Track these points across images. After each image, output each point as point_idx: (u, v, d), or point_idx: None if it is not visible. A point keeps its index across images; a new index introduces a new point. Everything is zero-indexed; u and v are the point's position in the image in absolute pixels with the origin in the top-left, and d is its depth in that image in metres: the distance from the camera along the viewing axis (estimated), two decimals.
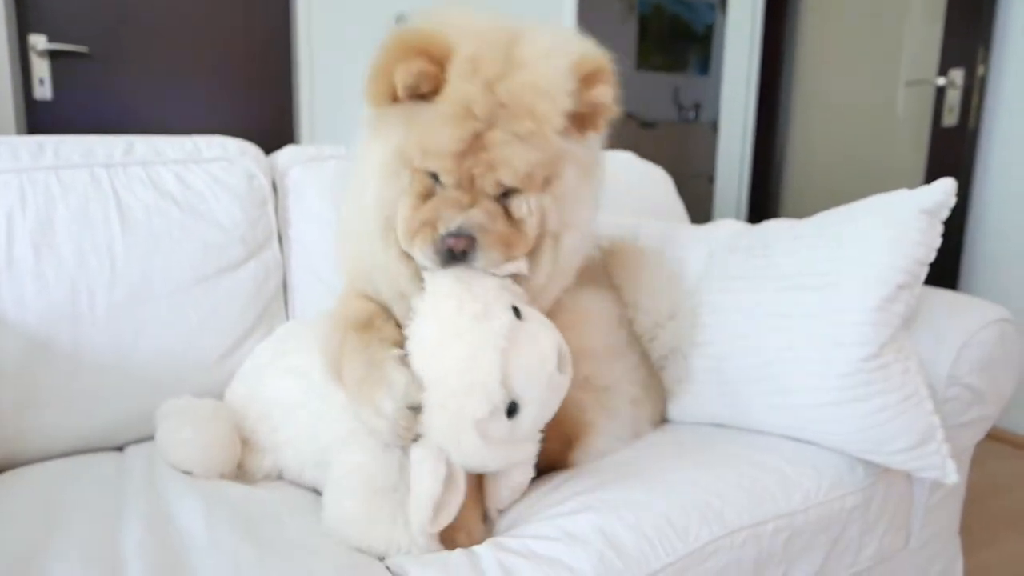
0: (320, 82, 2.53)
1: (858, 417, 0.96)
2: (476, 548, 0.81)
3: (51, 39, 2.23)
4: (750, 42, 3.23)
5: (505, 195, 0.85)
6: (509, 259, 0.85)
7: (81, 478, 0.99)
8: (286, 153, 1.36)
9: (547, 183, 0.86)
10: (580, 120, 0.86)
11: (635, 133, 4.90)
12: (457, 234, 0.81)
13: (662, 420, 1.16)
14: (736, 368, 1.06)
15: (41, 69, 2.23)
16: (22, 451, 1.05)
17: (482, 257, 0.83)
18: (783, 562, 0.92)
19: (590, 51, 0.86)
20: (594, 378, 1.03)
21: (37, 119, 2.24)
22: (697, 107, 5.33)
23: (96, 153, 1.19)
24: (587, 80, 0.83)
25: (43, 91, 2.24)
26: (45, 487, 0.95)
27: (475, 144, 0.81)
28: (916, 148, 2.66)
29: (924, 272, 0.98)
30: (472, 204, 0.83)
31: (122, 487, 0.95)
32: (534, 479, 1.01)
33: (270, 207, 1.28)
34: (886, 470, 1.02)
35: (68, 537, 0.80)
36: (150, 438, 1.13)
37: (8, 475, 1.00)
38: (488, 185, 0.83)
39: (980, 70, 2.35)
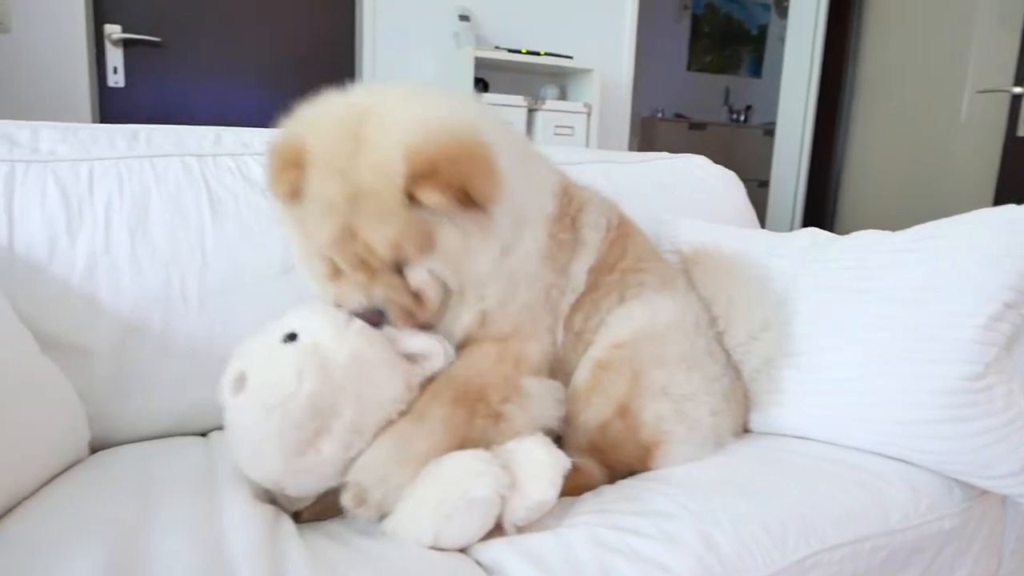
0: (382, 78, 2.55)
1: (959, 438, 0.93)
2: (573, 540, 0.80)
3: (125, 29, 2.28)
4: (811, 45, 3.17)
5: (399, 267, 0.89)
6: (417, 326, 0.91)
7: (172, 459, 1.01)
8: None
9: (425, 250, 0.87)
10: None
11: (684, 135, 4.86)
12: (363, 313, 0.87)
13: (743, 431, 1.14)
14: (827, 381, 1.04)
15: (115, 58, 2.29)
16: (114, 432, 1.07)
17: (397, 324, 0.89)
18: None
19: (428, 137, 0.84)
20: (671, 387, 1.02)
21: (109, 106, 2.29)
22: (748, 109, 5.26)
23: (187, 143, 1.21)
24: (414, 181, 0.83)
25: (116, 79, 2.29)
26: (139, 466, 0.97)
27: (347, 232, 0.85)
28: (985, 158, 2.58)
29: None
30: (372, 281, 0.88)
31: (213, 469, 0.96)
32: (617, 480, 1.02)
33: None
34: (983, 493, 0.99)
35: (169, 512, 0.81)
36: None
37: (101, 455, 1.03)
38: (374, 263, 0.87)
39: None
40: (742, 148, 4.81)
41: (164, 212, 1.13)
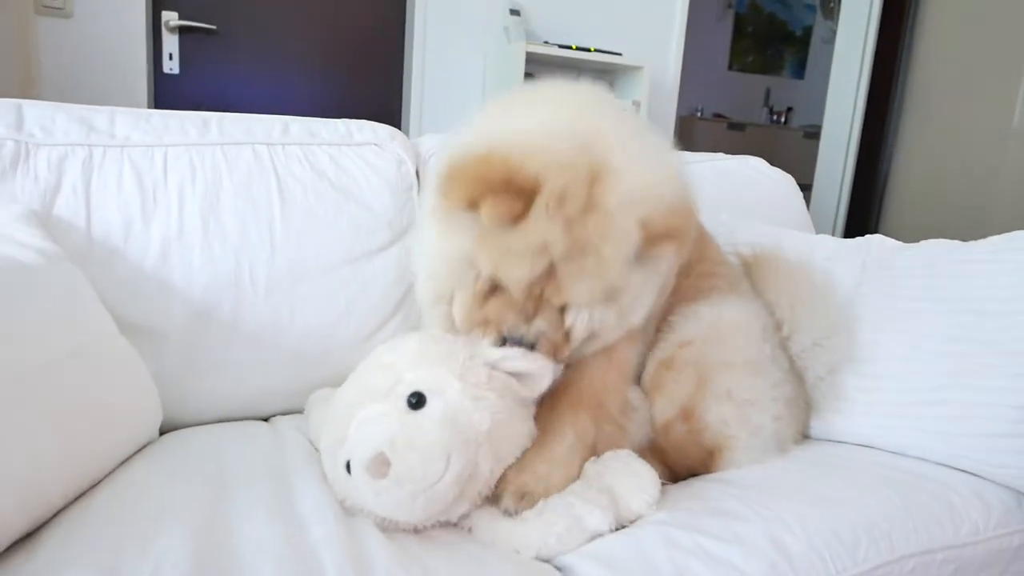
0: (431, 70, 2.56)
1: None
2: (646, 541, 0.81)
3: (182, 16, 2.31)
4: (862, 47, 3.13)
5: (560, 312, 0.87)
6: (556, 360, 0.89)
7: (240, 444, 1.02)
8: (428, 141, 1.38)
9: (610, 298, 0.87)
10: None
11: (722, 134, 4.81)
12: (520, 342, 0.86)
13: (803, 438, 1.13)
14: (895, 390, 1.03)
15: (171, 44, 2.33)
16: (182, 415, 1.10)
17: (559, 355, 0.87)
18: None
19: (664, 204, 0.85)
20: (736, 392, 1.02)
21: (164, 92, 2.33)
22: (789, 111, 5.19)
23: (256, 131, 1.23)
24: (650, 240, 0.84)
25: (171, 65, 2.33)
26: (210, 450, 0.99)
27: (548, 274, 0.83)
28: None
29: None
30: (535, 313, 0.86)
31: (282, 453, 0.98)
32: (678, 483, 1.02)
33: (415, 193, 1.30)
34: None
35: (246, 497, 0.83)
36: (295, 411, 1.18)
37: (171, 436, 1.05)
38: (554, 302, 0.85)
39: None
40: (781, 150, 4.75)
41: (235, 199, 1.15)
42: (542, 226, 0.81)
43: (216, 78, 2.39)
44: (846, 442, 1.10)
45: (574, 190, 0.82)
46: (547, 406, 0.93)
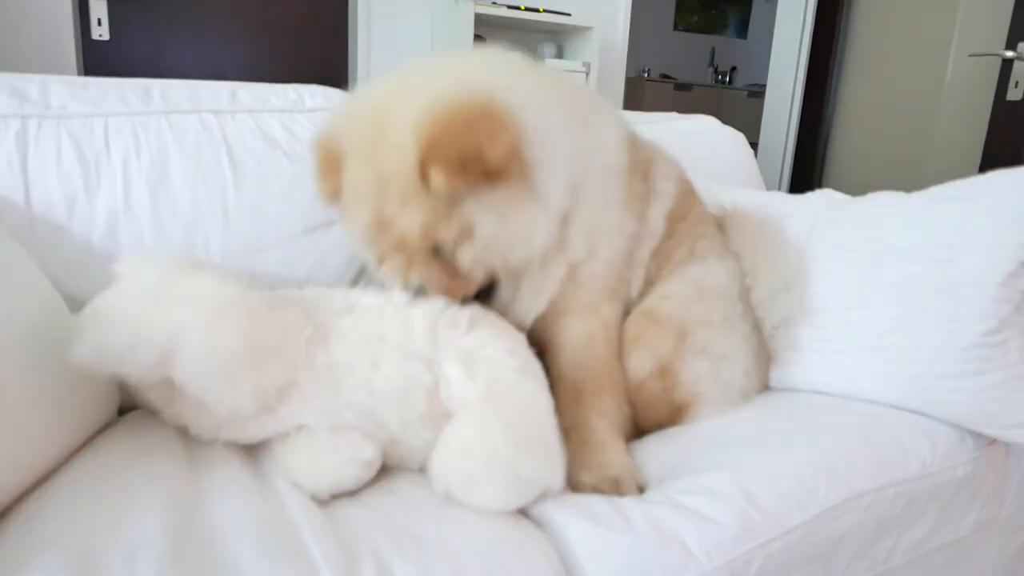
0: (377, 33, 2.49)
1: (976, 391, 0.98)
2: (620, 499, 0.84)
3: None
4: (804, 5, 3.17)
5: (437, 250, 0.89)
6: (457, 301, 0.91)
7: None
8: None
9: (463, 236, 0.86)
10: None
11: (670, 95, 4.84)
12: (416, 293, 0.90)
13: (764, 388, 1.17)
14: (847, 338, 1.08)
15: (99, 9, 2.20)
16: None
17: (461, 302, 0.91)
18: (899, 526, 0.95)
19: (431, 114, 0.81)
20: (712, 347, 1.05)
21: (93, 60, 2.21)
22: (733, 71, 5.25)
23: (202, 99, 1.18)
24: (424, 164, 0.81)
25: (100, 31, 2.21)
26: (173, 430, 0.97)
27: (380, 219, 0.87)
28: (971, 122, 2.63)
29: None
30: (411, 263, 0.89)
31: None
32: (644, 436, 1.05)
33: None
34: (991, 442, 1.04)
35: (218, 476, 0.81)
36: None
37: (131, 417, 1.01)
38: (411, 249, 0.88)
39: None
40: (727, 109, 4.81)
41: (184, 170, 1.11)
42: (352, 173, 0.88)
43: (149, 44, 2.27)
44: (801, 390, 1.15)
45: (366, 128, 0.87)
46: (570, 397, 0.96)
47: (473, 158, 0.79)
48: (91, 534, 0.67)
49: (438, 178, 0.80)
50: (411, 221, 0.85)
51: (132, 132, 1.10)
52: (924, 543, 0.99)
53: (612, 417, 0.98)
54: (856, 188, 1.28)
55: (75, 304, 0.97)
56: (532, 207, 0.87)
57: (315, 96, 1.26)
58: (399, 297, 0.91)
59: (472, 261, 0.88)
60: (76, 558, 0.64)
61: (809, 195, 1.30)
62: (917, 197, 1.13)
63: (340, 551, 0.69)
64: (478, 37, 2.60)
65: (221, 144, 1.14)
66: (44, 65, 2.05)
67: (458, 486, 0.79)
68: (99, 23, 2.18)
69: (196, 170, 1.12)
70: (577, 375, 0.99)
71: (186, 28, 2.32)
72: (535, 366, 0.92)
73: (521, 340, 0.93)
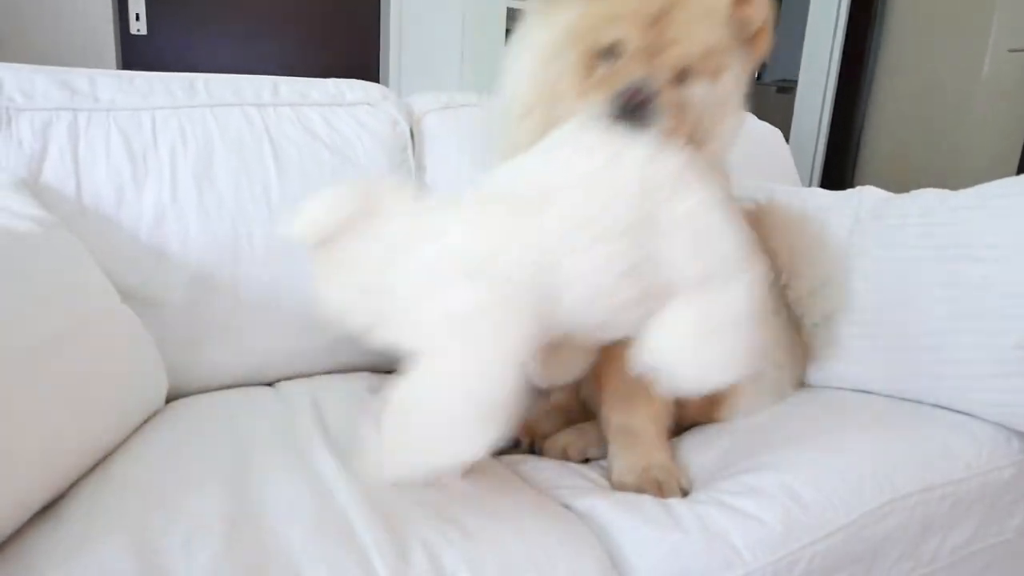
0: (408, 28, 2.50)
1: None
2: (665, 499, 0.84)
3: None
4: (838, 1, 3.13)
5: (675, 81, 0.84)
6: (672, 137, 0.81)
7: (249, 409, 1.02)
8: (421, 99, 1.36)
9: (716, 74, 0.86)
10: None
11: None
12: (639, 87, 0.79)
13: (801, 385, 1.16)
14: (892, 336, 1.07)
15: (137, 4, 2.23)
16: (187, 383, 1.08)
17: (655, 121, 0.79)
18: (944, 527, 0.93)
19: None
20: None
21: (132, 54, 2.25)
22: (762, 66, 5.19)
23: (245, 93, 1.19)
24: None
25: (139, 26, 2.24)
26: (221, 417, 0.98)
27: (661, 17, 0.81)
28: (1009, 116, 2.58)
29: None
30: (653, 71, 0.82)
31: (293, 419, 0.98)
32: (682, 433, 1.05)
33: (410, 153, 1.28)
34: None
35: (267, 463, 0.82)
36: (299, 375, 1.17)
37: (178, 405, 1.04)
38: (669, 58, 0.82)
39: None
40: (755, 105, 4.74)
41: (228, 162, 1.13)
42: None
43: (186, 39, 2.30)
44: (843, 387, 1.14)
45: None
46: (622, 396, 0.96)
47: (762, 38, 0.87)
48: (149, 517, 0.69)
49: (761, 11, 0.86)
50: (707, 34, 0.84)
51: (178, 125, 1.12)
52: (968, 545, 0.98)
53: (661, 421, 0.98)
54: (891, 184, 1.26)
55: (122, 294, 0.99)
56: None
57: (355, 90, 1.27)
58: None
59: (703, 109, 0.86)
60: (135, 541, 0.65)
61: (850, 191, 1.29)
62: (963, 195, 1.11)
63: (390, 538, 0.70)
64: (510, 32, 2.60)
65: (264, 137, 1.16)
66: (83, 60, 2.08)
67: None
68: (137, 18, 2.21)
69: (240, 163, 1.13)
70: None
71: (222, 23, 2.34)
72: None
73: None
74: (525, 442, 1.05)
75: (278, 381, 1.16)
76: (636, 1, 0.82)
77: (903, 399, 1.06)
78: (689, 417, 1.06)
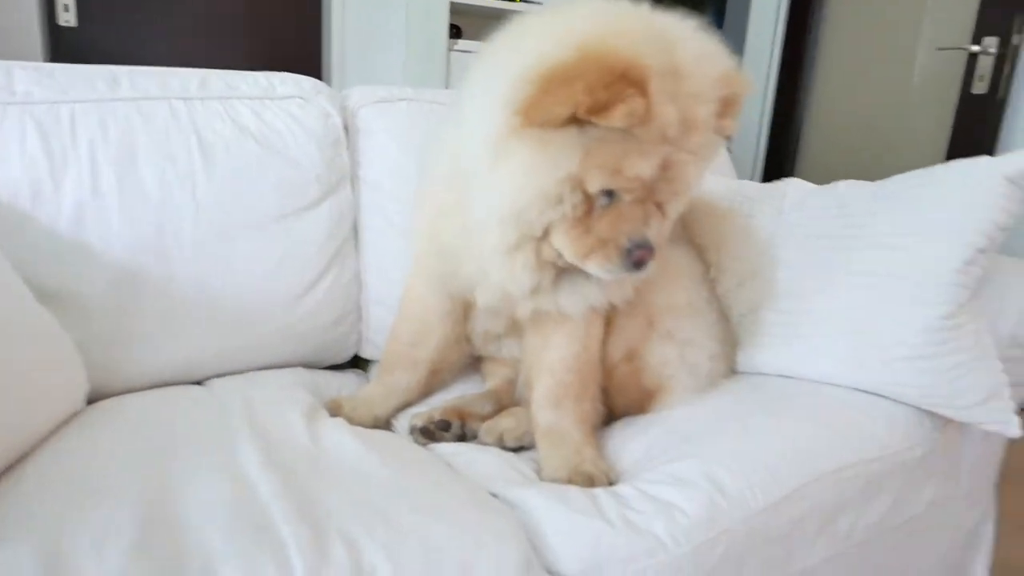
0: (351, 22, 2.47)
1: (934, 373, 1.01)
2: (593, 489, 0.86)
3: None
4: (777, 2, 3.20)
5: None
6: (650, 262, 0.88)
7: (175, 408, 1.01)
8: (356, 93, 1.35)
9: (694, 189, 0.90)
10: None
11: None
12: (644, 246, 0.84)
13: (732, 373, 1.19)
14: (812, 323, 1.10)
15: None
16: (111, 383, 1.06)
17: (652, 266, 0.87)
18: (859, 505, 0.97)
19: (730, 63, 0.87)
20: (677, 332, 1.07)
21: (60, 46, 2.17)
22: None
23: (172, 86, 1.17)
24: (728, 101, 0.85)
25: (67, 17, 2.16)
26: (145, 417, 0.97)
27: (668, 163, 0.82)
28: (938, 113, 2.68)
29: (1001, 238, 1.02)
30: (649, 217, 0.86)
31: (222, 416, 0.97)
32: (613, 423, 1.07)
33: (344, 147, 1.27)
34: (947, 423, 1.08)
35: (188, 462, 0.82)
36: (231, 373, 1.16)
37: (101, 406, 1.01)
38: (664, 198, 0.86)
39: (1015, 39, 2.36)
40: None
41: (153, 158, 1.10)
42: (659, 111, 0.78)
43: (118, 31, 2.23)
44: (768, 374, 1.17)
45: (666, 65, 0.79)
46: (551, 396, 0.99)
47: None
48: (60, 521, 0.67)
49: (733, 127, 0.86)
50: (699, 169, 0.86)
51: (99, 119, 1.09)
52: (883, 521, 1.02)
53: (590, 420, 1.01)
54: (828, 178, 1.30)
55: (41, 293, 0.96)
56: None
57: (286, 83, 1.25)
58: None
59: (675, 213, 0.91)
60: (43, 543, 0.64)
61: (777, 183, 1.32)
62: (881, 186, 1.15)
63: (311, 532, 0.70)
64: (453, 26, 2.60)
65: (190, 131, 1.13)
66: (7, 52, 2.00)
67: None
68: (66, 8, 2.13)
69: (165, 157, 1.11)
70: (566, 378, 1.01)
71: (156, 15, 2.28)
72: None
73: None
74: (457, 424, 1.06)
75: (210, 379, 1.15)
76: (646, 165, 0.80)
77: (823, 383, 1.10)
78: (623, 408, 1.08)
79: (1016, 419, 1.02)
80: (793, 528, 0.91)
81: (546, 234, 0.86)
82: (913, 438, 1.03)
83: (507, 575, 0.71)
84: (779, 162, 3.26)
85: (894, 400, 1.05)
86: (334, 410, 1.07)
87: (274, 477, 0.80)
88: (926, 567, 1.17)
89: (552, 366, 1.01)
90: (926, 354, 1.00)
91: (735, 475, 0.87)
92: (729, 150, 1.85)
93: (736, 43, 3.40)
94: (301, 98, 1.24)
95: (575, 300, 0.95)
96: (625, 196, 0.83)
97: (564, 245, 0.85)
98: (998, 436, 1.15)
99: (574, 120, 0.77)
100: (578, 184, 0.82)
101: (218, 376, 1.15)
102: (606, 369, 1.04)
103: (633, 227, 0.83)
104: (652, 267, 0.87)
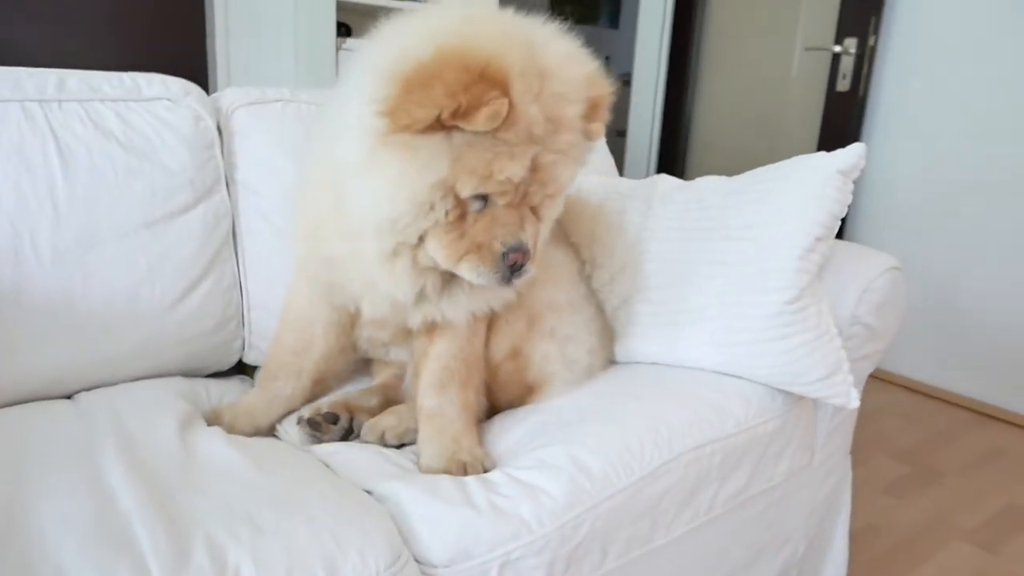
0: (236, 22, 2.40)
1: (781, 353, 1.09)
2: (464, 478, 0.89)
3: None
4: (663, 4, 3.33)
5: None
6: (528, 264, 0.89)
7: (39, 423, 0.97)
8: (229, 95, 1.32)
9: (567, 189, 0.93)
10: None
11: None
12: (519, 250, 0.85)
13: (610, 364, 1.26)
14: (677, 312, 1.17)
15: None
16: None
17: (529, 269, 0.87)
18: (718, 479, 1.05)
19: (595, 65, 0.91)
20: (558, 329, 1.13)
21: None
22: (607, 60, 5.42)
23: (26, 87, 1.12)
24: (595, 102, 0.88)
25: None
26: (3, 434, 0.93)
27: (538, 166, 0.83)
28: (811, 111, 2.87)
29: (837, 226, 1.12)
30: (523, 220, 0.86)
31: (87, 429, 0.94)
32: (494, 415, 1.11)
33: (217, 150, 1.25)
34: (799, 398, 1.17)
35: (45, 476, 0.80)
36: (99, 385, 1.12)
37: None
38: (537, 200, 0.87)
39: (871, 40, 2.56)
40: None
41: (6, 163, 1.05)
42: (524, 112, 0.78)
43: None
44: (642, 362, 1.24)
45: (526, 63, 0.79)
46: (436, 382, 1.01)
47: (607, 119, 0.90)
48: None
49: (600, 129, 0.88)
50: (570, 171, 0.87)
51: None
52: (742, 492, 1.10)
53: (472, 409, 1.04)
54: (716, 172, 1.36)
55: None
56: None
57: (153, 85, 1.22)
58: None
59: (551, 216, 0.94)
60: None
61: (647, 180, 1.40)
62: (735, 181, 1.24)
63: (172, 539, 0.70)
64: (341, 24, 2.57)
65: (48, 135, 1.09)
66: None
67: None
68: None
69: (20, 163, 1.06)
70: (453, 364, 1.03)
71: (20, 11, 2.15)
72: None
73: None
74: (345, 417, 1.08)
75: (80, 392, 1.11)
76: (516, 167, 0.80)
77: (687, 368, 1.18)
78: (507, 402, 1.12)
79: (855, 392, 1.12)
80: (656, 504, 0.97)
81: (422, 240, 0.86)
82: (766, 414, 1.12)
83: (374, 569, 0.73)
84: (671, 160, 3.40)
85: (749, 380, 1.14)
86: (214, 419, 1.06)
87: (139, 487, 0.79)
88: (788, 531, 1.27)
89: (438, 354, 1.03)
90: (774, 336, 1.09)
91: (598, 457, 0.92)
92: (617, 149, 1.92)
93: (631, 39, 3.52)
94: (169, 100, 1.21)
95: (457, 309, 0.98)
96: (499, 200, 0.84)
97: (437, 251, 0.86)
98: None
99: (440, 124, 0.77)
100: (449, 190, 0.82)
101: (92, 388, 1.12)
102: (491, 367, 1.08)
103: (507, 231, 0.84)
104: (530, 272, 0.88)
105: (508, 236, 0.84)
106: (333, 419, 1.07)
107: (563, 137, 0.83)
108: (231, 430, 1.03)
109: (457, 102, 0.75)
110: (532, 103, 0.79)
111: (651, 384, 1.13)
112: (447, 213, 0.83)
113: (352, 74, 0.91)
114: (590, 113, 0.87)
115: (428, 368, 1.04)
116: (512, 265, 0.85)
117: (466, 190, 0.82)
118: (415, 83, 0.76)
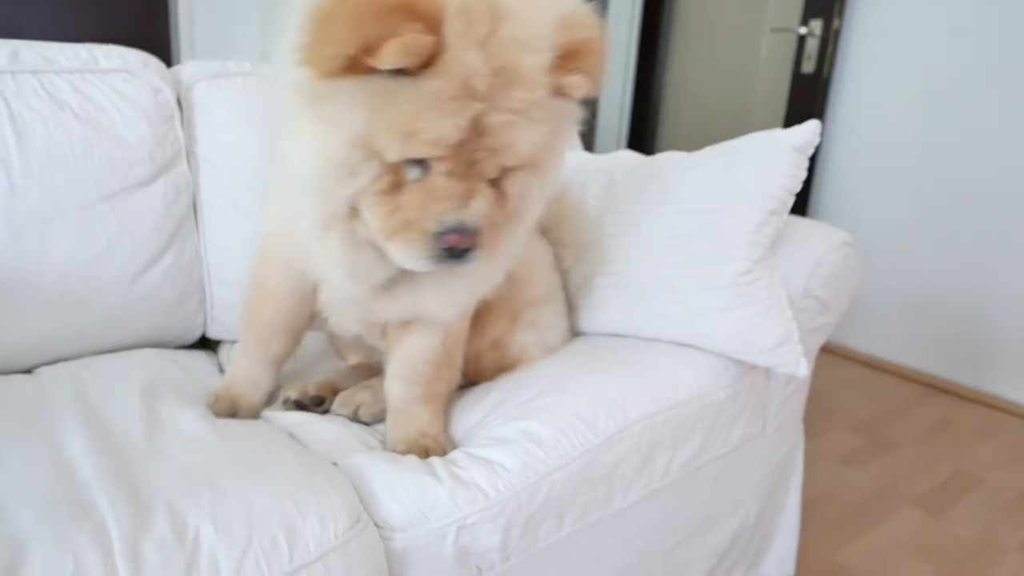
0: None
1: (733, 323, 1.13)
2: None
3: None
4: None
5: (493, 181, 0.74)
6: (488, 248, 0.75)
7: None
8: (189, 68, 1.31)
9: (538, 165, 0.76)
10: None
11: None
12: (459, 230, 0.70)
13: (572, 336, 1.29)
14: (635, 284, 1.20)
15: None
16: None
17: (478, 258, 0.73)
18: (671, 447, 1.08)
19: (580, 12, 0.73)
20: (537, 319, 1.17)
21: None
22: None
23: None
24: (565, 62, 0.71)
25: None
26: None
27: (475, 128, 0.68)
28: (779, 92, 2.91)
29: (791, 200, 1.15)
30: (470, 194, 0.71)
31: (47, 403, 0.95)
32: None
33: (177, 123, 1.24)
34: (751, 368, 1.21)
35: (5, 452, 0.81)
36: (61, 359, 1.12)
37: None
38: (492, 172, 0.71)
39: (835, 22, 2.59)
40: None
41: None
42: (459, 57, 0.64)
43: None
44: (603, 333, 1.27)
45: (478, 4, 0.66)
46: (403, 382, 1.00)
47: (601, 72, 0.71)
48: None
49: (580, 83, 0.70)
50: (529, 136, 0.69)
51: None
52: (696, 458, 1.14)
53: (442, 398, 1.04)
54: (684, 147, 1.37)
55: None
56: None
57: (110, 57, 1.20)
58: None
59: (524, 196, 0.75)
60: None
61: (610, 155, 1.42)
62: (694, 156, 1.26)
63: (132, 506, 0.71)
64: None
65: (1, 106, 1.07)
66: None
67: None
68: None
69: None
70: (422, 369, 0.99)
71: None
72: None
73: None
74: (330, 400, 1.09)
75: (41, 366, 1.11)
76: (446, 125, 0.66)
77: (644, 339, 1.21)
78: (483, 380, 1.15)
79: (804, 361, 1.16)
80: (611, 471, 1.00)
81: (356, 212, 0.75)
82: (719, 382, 1.15)
83: (332, 530, 0.75)
84: (642, 135, 3.42)
85: (704, 350, 1.17)
86: (225, 409, 1.01)
87: (99, 456, 0.80)
88: (741, 496, 1.32)
89: (408, 353, 1.00)
90: (727, 307, 1.12)
91: (550, 428, 0.95)
92: (588, 129, 1.93)
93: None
94: (127, 72, 1.20)
95: (443, 304, 0.92)
96: (437, 167, 0.69)
97: (371, 223, 0.74)
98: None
99: (357, 66, 0.63)
100: (371, 150, 0.69)
101: (55, 363, 1.12)
102: (473, 354, 1.09)
103: (444, 206, 0.69)
104: (479, 259, 0.74)
105: (444, 213, 0.70)
106: (319, 402, 1.09)
107: (518, 94, 0.68)
108: (238, 410, 1.02)
109: (363, 34, 0.61)
110: (473, 48, 0.65)
111: (608, 356, 1.16)
112: (375, 179, 0.70)
113: (283, 25, 0.75)
114: (564, 62, 0.70)
115: (397, 361, 1.01)
116: (449, 248, 0.71)
117: (390, 151, 0.68)
118: (324, 16, 0.64)
